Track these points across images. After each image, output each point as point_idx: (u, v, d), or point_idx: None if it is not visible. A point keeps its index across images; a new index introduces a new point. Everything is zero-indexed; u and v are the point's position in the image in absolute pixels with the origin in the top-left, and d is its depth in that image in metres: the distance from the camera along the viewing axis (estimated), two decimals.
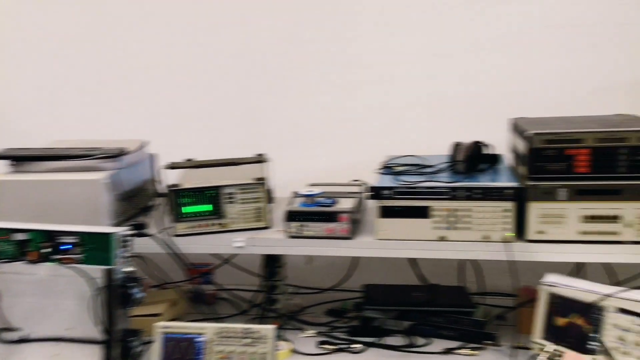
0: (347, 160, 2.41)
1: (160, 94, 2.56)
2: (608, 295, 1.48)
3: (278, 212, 2.05)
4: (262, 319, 2.02)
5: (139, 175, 2.14)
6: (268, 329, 1.63)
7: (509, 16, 2.28)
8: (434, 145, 2.17)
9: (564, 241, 1.68)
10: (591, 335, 1.47)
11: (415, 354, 1.81)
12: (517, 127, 1.88)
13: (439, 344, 1.83)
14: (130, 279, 1.63)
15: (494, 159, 1.90)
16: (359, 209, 1.94)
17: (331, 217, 1.81)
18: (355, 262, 2.34)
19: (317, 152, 2.48)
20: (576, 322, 1.50)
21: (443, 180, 1.77)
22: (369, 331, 1.94)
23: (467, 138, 1.92)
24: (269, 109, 2.53)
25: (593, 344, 1.46)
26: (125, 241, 1.64)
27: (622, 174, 1.61)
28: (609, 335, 1.42)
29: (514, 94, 2.29)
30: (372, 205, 1.85)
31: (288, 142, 2.50)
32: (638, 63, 2.21)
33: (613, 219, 1.63)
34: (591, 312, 1.48)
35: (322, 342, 1.88)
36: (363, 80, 2.43)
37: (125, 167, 1.97)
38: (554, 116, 1.98)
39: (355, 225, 1.86)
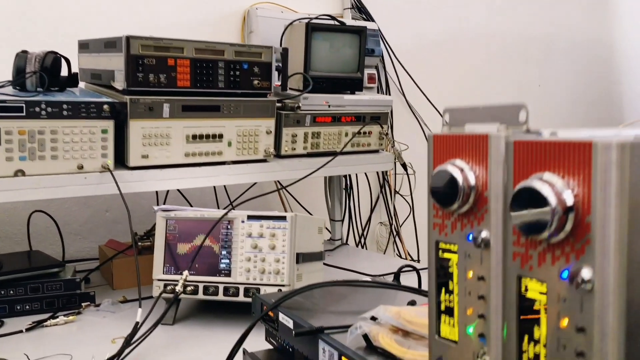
0: None
1: None
2: (233, 207, 1.37)
3: None
4: None
5: None
6: None
7: None
8: None
9: (170, 165, 1.49)
10: (222, 253, 1.33)
11: None
12: (98, 43, 1.57)
13: (19, 323, 1.34)
14: None
15: (73, 79, 1.52)
16: None
17: None
18: None
19: None
20: (205, 244, 1.34)
21: (15, 95, 1.29)
22: None
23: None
24: None
25: (224, 262, 1.33)
26: None
27: (221, 89, 1.54)
28: (243, 247, 1.32)
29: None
30: None
31: None
32: None
33: (216, 138, 1.55)
34: (219, 228, 1.34)
35: None
36: None
37: None
38: None
39: None
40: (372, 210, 2.65)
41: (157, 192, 1.90)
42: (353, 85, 1.91)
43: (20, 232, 1.78)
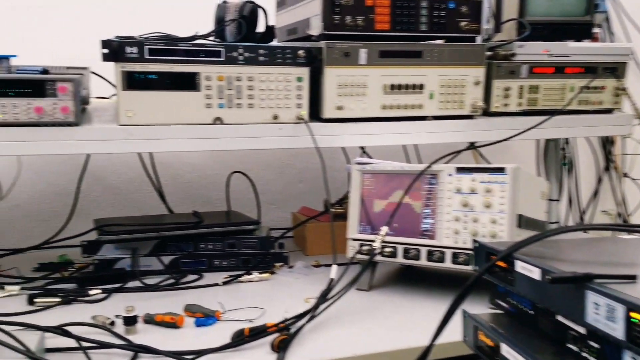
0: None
1: None
2: (437, 161, 1.18)
3: None
4: None
5: None
6: None
7: None
8: None
9: (365, 119, 1.35)
10: (424, 211, 1.15)
11: (185, 290, 1.25)
12: None
13: (216, 278, 1.31)
14: None
15: (269, 32, 1.47)
16: (81, 82, 1.28)
17: (41, 88, 1.12)
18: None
19: None
20: (403, 201, 1.17)
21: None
22: (111, 276, 1.29)
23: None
24: None
25: (427, 222, 1.14)
26: None
27: (423, 32, 1.36)
28: (450, 206, 1.12)
29: None
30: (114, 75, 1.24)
31: None
32: None
33: (416, 88, 1.37)
34: (422, 184, 1.16)
35: (34, 296, 1.17)
36: None
37: None
38: None
39: (78, 107, 1.21)
40: (595, 194, 2.24)
41: (346, 155, 1.79)
42: (580, 31, 1.59)
43: (220, 198, 1.80)
